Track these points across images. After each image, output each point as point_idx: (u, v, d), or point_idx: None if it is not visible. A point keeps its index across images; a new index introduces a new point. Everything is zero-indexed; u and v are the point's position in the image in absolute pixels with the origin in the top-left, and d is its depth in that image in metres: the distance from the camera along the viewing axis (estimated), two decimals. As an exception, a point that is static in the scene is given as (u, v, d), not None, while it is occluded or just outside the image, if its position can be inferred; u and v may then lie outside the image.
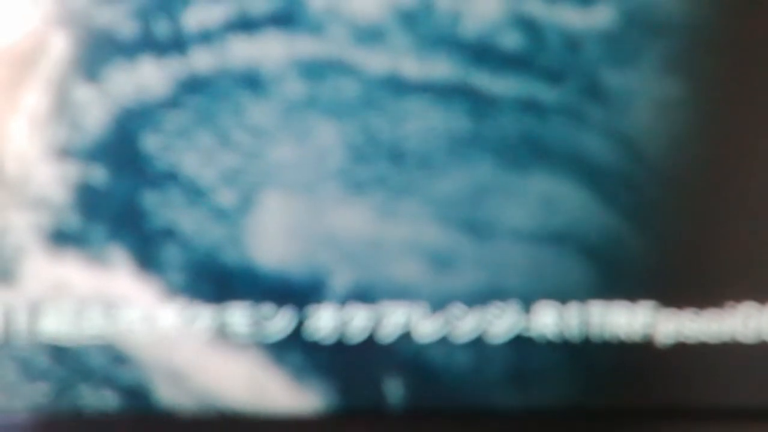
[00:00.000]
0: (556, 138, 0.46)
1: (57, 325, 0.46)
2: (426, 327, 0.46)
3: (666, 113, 0.46)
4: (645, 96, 0.46)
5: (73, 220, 0.46)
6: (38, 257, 0.46)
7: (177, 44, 0.45)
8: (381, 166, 0.46)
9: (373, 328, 0.46)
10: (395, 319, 0.46)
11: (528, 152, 0.46)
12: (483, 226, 0.46)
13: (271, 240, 0.46)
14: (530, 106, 0.46)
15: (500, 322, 0.46)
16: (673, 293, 0.46)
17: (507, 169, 0.46)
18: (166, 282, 0.46)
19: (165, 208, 0.46)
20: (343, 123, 0.46)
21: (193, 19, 0.45)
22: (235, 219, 0.46)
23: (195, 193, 0.46)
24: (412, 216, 0.46)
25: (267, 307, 0.46)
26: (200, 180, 0.45)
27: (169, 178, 0.45)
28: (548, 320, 0.46)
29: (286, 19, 0.45)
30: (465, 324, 0.46)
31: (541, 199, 0.46)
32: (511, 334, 0.46)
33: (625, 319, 0.46)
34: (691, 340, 0.46)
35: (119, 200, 0.45)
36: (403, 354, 0.46)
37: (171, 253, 0.46)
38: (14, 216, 0.45)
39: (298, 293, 0.46)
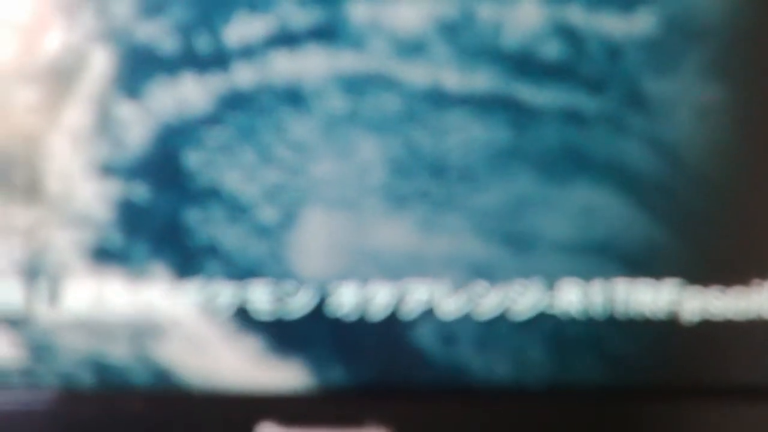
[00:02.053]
0: (597, 148, 0.46)
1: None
2: (449, 304, 0.46)
3: (708, 120, 0.45)
4: (686, 103, 0.45)
5: (115, 238, 0.45)
6: (81, 274, 0.45)
7: (219, 60, 0.45)
8: (423, 179, 0.46)
9: (396, 305, 0.46)
10: (418, 296, 0.46)
11: (569, 163, 0.46)
12: (524, 238, 0.46)
13: (314, 256, 0.46)
14: (571, 117, 0.45)
15: (524, 300, 0.46)
16: (699, 271, 0.46)
17: (548, 180, 0.46)
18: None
19: (207, 225, 0.45)
20: (384, 137, 0.45)
21: (235, 34, 0.45)
22: (278, 235, 0.46)
23: (237, 210, 0.45)
24: (454, 229, 0.46)
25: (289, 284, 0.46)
26: (242, 196, 0.45)
27: (212, 194, 0.45)
28: (572, 297, 0.46)
29: (327, 34, 0.45)
30: (488, 301, 0.46)
31: (583, 209, 0.46)
32: (535, 312, 0.46)
33: (651, 297, 0.46)
34: (716, 318, 0.46)
35: (161, 217, 0.45)
36: (426, 331, 0.46)
37: (213, 270, 0.46)
38: (57, 233, 0.45)
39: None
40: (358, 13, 0.45)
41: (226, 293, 0.46)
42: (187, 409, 0.46)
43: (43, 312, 0.46)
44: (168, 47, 0.45)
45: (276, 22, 0.45)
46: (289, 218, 0.45)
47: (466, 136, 0.45)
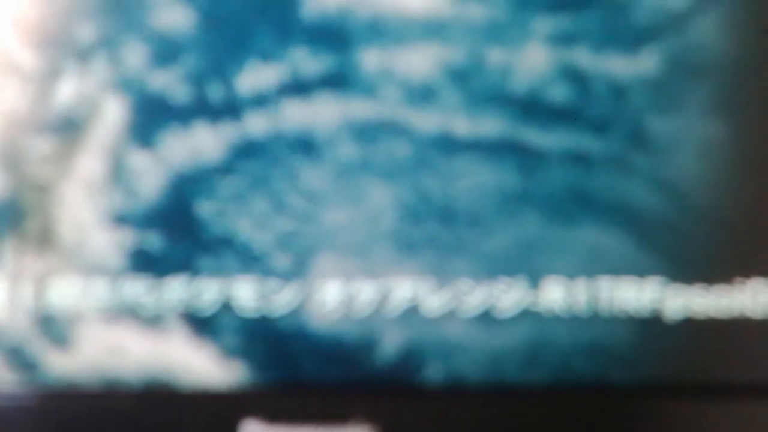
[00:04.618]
0: (604, 189, 0.46)
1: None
2: (433, 302, 0.46)
3: (711, 159, 0.46)
4: (691, 142, 0.46)
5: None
6: (94, 323, 0.45)
7: (231, 109, 0.45)
8: (433, 225, 0.46)
9: (380, 302, 0.46)
10: (402, 294, 0.46)
11: (576, 204, 0.46)
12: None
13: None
14: (578, 159, 0.46)
15: (508, 297, 0.46)
16: (682, 268, 0.46)
17: (556, 223, 0.46)
18: (222, 346, 0.46)
19: (220, 274, 0.45)
20: (395, 184, 0.45)
21: (247, 83, 0.45)
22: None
23: (250, 259, 0.45)
24: (464, 273, 0.46)
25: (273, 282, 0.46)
26: (255, 245, 0.45)
27: (225, 243, 0.45)
28: (557, 295, 0.46)
29: (338, 82, 0.45)
30: (472, 299, 0.46)
31: (590, 249, 0.46)
32: (519, 309, 0.46)
33: (634, 294, 0.46)
34: (699, 316, 0.46)
35: (175, 266, 0.45)
36: (410, 329, 0.46)
37: (226, 319, 0.45)
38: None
39: (351, 355, 0.46)
40: (368, 61, 0.45)
41: (211, 289, 0.45)
42: (172, 406, 0.45)
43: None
44: (180, 96, 0.45)
45: (288, 70, 0.45)
46: (301, 266, 0.45)
47: (475, 181, 0.46)
